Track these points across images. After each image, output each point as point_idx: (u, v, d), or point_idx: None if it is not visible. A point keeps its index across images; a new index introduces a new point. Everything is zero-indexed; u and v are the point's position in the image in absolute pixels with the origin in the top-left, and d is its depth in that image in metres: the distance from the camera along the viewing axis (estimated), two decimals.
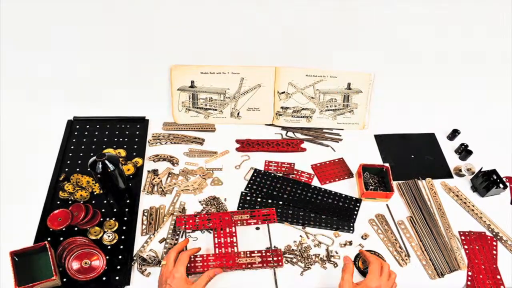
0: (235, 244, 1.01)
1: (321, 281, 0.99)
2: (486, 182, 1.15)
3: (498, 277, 1.01)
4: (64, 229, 1.02)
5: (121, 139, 1.25)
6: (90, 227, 1.03)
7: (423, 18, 1.14)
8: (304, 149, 1.27)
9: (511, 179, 1.21)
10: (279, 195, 1.13)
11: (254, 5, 1.10)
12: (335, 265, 1.01)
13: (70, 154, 1.20)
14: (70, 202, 1.08)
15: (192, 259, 0.98)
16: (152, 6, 1.09)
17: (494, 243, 1.07)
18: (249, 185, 1.15)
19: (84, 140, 1.24)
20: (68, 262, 0.93)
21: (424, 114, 1.35)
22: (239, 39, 1.18)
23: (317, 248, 1.04)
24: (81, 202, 1.08)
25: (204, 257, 0.98)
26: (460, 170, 1.22)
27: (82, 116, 1.30)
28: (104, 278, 0.95)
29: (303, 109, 1.31)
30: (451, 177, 1.23)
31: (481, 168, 1.18)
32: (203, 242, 1.03)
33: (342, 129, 1.33)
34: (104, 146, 1.23)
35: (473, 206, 1.14)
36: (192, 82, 1.26)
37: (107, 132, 1.27)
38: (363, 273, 0.98)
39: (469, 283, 1.00)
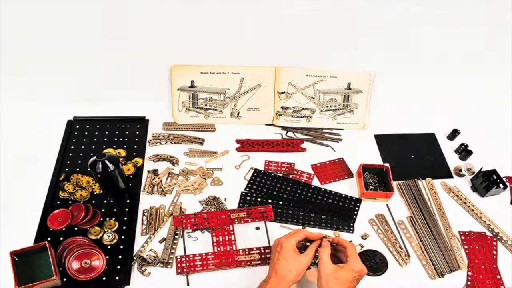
0: (233, 242, 1.02)
1: None
2: (486, 182, 1.15)
3: (498, 277, 1.01)
4: (64, 229, 1.02)
5: (121, 139, 1.25)
6: (90, 227, 1.03)
7: (423, 18, 1.14)
8: (304, 149, 1.27)
9: (511, 179, 1.21)
10: (279, 195, 1.13)
11: (254, 5, 1.10)
12: None
13: (70, 154, 1.20)
14: (70, 202, 1.08)
15: (191, 259, 0.98)
16: (152, 6, 1.09)
17: (494, 243, 1.07)
18: (249, 185, 1.15)
19: (84, 140, 1.24)
20: (68, 262, 0.93)
21: (424, 114, 1.35)
22: (239, 39, 1.18)
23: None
24: (81, 202, 1.08)
25: (203, 256, 0.98)
26: (460, 170, 1.22)
27: (82, 116, 1.30)
28: (104, 278, 0.95)
29: (303, 109, 1.31)
30: (451, 177, 1.23)
31: (481, 168, 1.18)
32: (202, 241, 1.03)
33: (342, 129, 1.33)
34: (104, 146, 1.23)
35: (473, 206, 1.14)
36: (192, 82, 1.26)
37: (107, 132, 1.27)
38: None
39: (469, 283, 1.00)
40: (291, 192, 1.14)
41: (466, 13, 1.13)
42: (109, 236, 1.01)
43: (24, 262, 0.92)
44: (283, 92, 1.29)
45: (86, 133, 1.26)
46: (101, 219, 1.06)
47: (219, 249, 1.00)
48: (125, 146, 1.23)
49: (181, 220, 1.05)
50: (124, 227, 1.05)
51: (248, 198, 1.13)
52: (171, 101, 1.29)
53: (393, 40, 1.20)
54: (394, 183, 1.17)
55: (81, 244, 0.97)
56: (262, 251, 1.00)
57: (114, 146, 1.23)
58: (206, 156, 1.23)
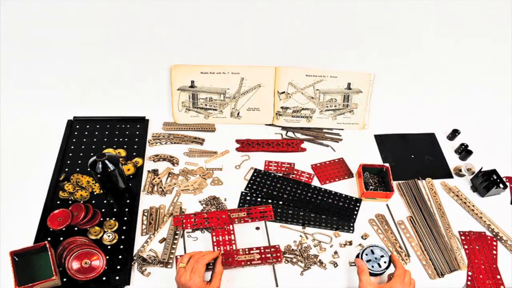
0: (233, 242, 1.02)
1: (321, 281, 0.99)
2: (486, 182, 1.15)
3: (498, 277, 1.01)
4: (64, 229, 1.02)
5: (121, 139, 1.25)
6: (90, 227, 1.03)
7: (423, 18, 1.14)
8: (304, 149, 1.27)
9: (511, 179, 1.21)
10: (279, 195, 1.13)
11: (254, 5, 1.10)
12: (335, 265, 1.01)
13: (70, 154, 1.20)
14: (70, 202, 1.08)
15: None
16: (152, 6, 1.09)
17: (494, 243, 1.07)
18: (249, 185, 1.15)
19: (84, 140, 1.24)
20: (68, 262, 0.93)
21: (424, 114, 1.35)
22: (239, 39, 1.18)
23: (317, 248, 1.03)
24: (81, 202, 1.08)
25: None
26: (460, 170, 1.22)
27: (82, 116, 1.30)
28: (104, 278, 0.95)
29: (303, 109, 1.31)
30: (451, 177, 1.23)
31: (481, 168, 1.18)
32: (202, 241, 1.03)
33: (342, 129, 1.33)
34: (104, 146, 1.23)
35: (473, 206, 1.14)
36: (192, 82, 1.26)
37: (107, 132, 1.27)
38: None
39: (469, 283, 1.00)
40: (291, 192, 1.14)
41: (466, 13, 1.13)
42: (109, 236, 1.01)
43: (24, 262, 0.92)
44: (283, 92, 1.29)
45: (86, 133, 1.26)
46: (101, 219, 1.06)
47: (219, 248, 1.00)
48: (125, 146, 1.23)
49: (181, 220, 1.05)
50: (124, 227, 1.05)
51: (248, 198, 1.13)
52: (171, 101, 1.29)
53: (393, 40, 1.20)
54: (394, 183, 1.17)
55: (81, 244, 0.97)
56: (262, 250, 1.00)
57: (114, 146, 1.23)
58: (206, 156, 1.23)
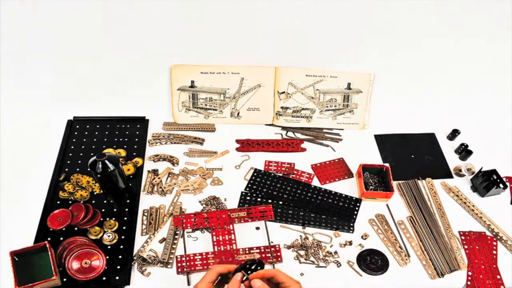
0: (233, 241, 1.02)
1: (321, 281, 0.99)
2: (486, 182, 1.15)
3: (498, 277, 1.01)
4: (64, 229, 1.02)
5: (121, 139, 1.25)
6: (90, 227, 1.03)
7: (423, 18, 1.14)
8: (304, 149, 1.27)
9: (511, 179, 1.21)
10: (279, 195, 1.13)
11: (254, 5, 1.10)
12: (339, 264, 1.01)
13: (70, 154, 1.20)
14: (70, 202, 1.08)
15: (192, 258, 0.98)
16: (152, 6, 1.09)
17: (494, 243, 1.07)
18: (249, 185, 1.15)
19: (84, 140, 1.24)
20: (68, 262, 0.93)
21: (424, 114, 1.35)
22: (239, 39, 1.18)
23: (317, 248, 1.04)
24: (81, 202, 1.08)
25: (203, 255, 0.98)
26: (460, 170, 1.22)
27: (82, 116, 1.30)
28: (104, 278, 0.95)
29: (303, 109, 1.31)
30: (451, 177, 1.23)
31: (481, 168, 1.18)
32: (202, 241, 1.03)
33: (342, 129, 1.33)
34: (104, 146, 1.23)
35: (473, 206, 1.14)
36: (192, 82, 1.26)
37: (107, 132, 1.27)
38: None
39: (469, 283, 1.00)
40: (291, 192, 1.14)
41: (466, 13, 1.13)
42: (109, 236, 1.01)
43: (24, 262, 0.92)
44: (283, 92, 1.29)
45: (86, 133, 1.26)
46: (101, 219, 1.06)
47: (219, 248, 1.00)
48: (125, 146, 1.23)
49: (181, 219, 1.05)
50: (124, 227, 1.05)
51: (248, 198, 1.13)
52: (171, 101, 1.29)
53: (393, 40, 1.20)
54: (394, 183, 1.17)
55: (81, 244, 0.97)
56: (262, 250, 1.00)
57: (114, 146, 1.23)
58: (206, 156, 1.23)
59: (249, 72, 1.25)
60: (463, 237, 1.08)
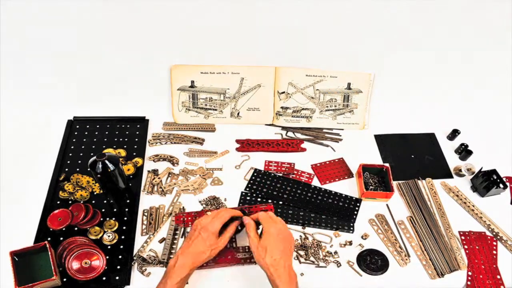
0: (233, 239, 1.02)
1: (321, 281, 0.99)
2: (486, 182, 1.15)
3: (498, 277, 1.01)
4: (64, 229, 1.02)
5: (121, 139, 1.25)
6: (90, 227, 1.03)
7: (423, 18, 1.14)
8: (304, 149, 1.27)
9: (511, 179, 1.21)
10: (279, 195, 1.13)
11: (254, 5, 1.10)
12: (339, 264, 1.01)
13: (70, 154, 1.20)
14: (70, 202, 1.08)
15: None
16: (152, 6, 1.09)
17: (494, 243, 1.07)
18: (249, 185, 1.15)
19: (84, 140, 1.24)
20: (68, 262, 0.93)
21: (424, 114, 1.35)
22: (239, 39, 1.18)
23: (317, 248, 1.04)
24: (81, 202, 1.08)
25: None
26: (460, 170, 1.22)
27: (82, 116, 1.30)
28: (104, 278, 0.95)
29: (303, 109, 1.31)
30: (451, 177, 1.23)
31: (481, 168, 1.18)
32: None
33: (342, 129, 1.33)
34: (104, 146, 1.23)
35: (473, 206, 1.14)
36: (192, 82, 1.26)
37: (107, 132, 1.27)
38: None
39: (469, 283, 1.00)
40: (291, 192, 1.14)
41: (466, 13, 1.13)
42: (109, 236, 1.01)
43: (24, 262, 0.92)
44: (283, 92, 1.29)
45: (86, 133, 1.26)
46: (101, 219, 1.06)
47: None
48: (125, 146, 1.23)
49: (182, 218, 1.05)
50: (124, 227, 1.05)
51: (248, 198, 1.13)
52: (171, 101, 1.29)
53: (393, 40, 1.20)
54: (394, 183, 1.17)
55: (81, 244, 0.97)
56: None
57: (114, 146, 1.23)
58: (206, 156, 1.23)
59: (249, 72, 1.25)
60: (463, 237, 1.08)
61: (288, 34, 1.17)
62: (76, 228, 1.03)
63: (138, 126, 1.29)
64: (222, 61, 1.23)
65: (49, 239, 1.01)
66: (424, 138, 1.33)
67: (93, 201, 1.09)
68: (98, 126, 1.28)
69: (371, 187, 1.16)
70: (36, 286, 0.88)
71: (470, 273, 1.01)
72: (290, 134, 1.32)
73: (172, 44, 1.18)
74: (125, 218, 1.07)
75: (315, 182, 1.19)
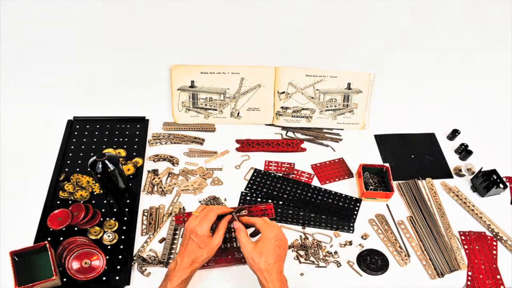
0: (233, 239, 1.01)
1: (321, 281, 0.99)
2: (486, 182, 1.15)
3: (498, 277, 1.01)
4: (64, 229, 1.02)
5: (121, 139, 1.25)
6: (90, 227, 1.03)
7: (423, 18, 1.14)
8: (304, 149, 1.27)
9: (511, 179, 1.21)
10: (279, 195, 1.13)
11: (254, 5, 1.10)
12: (339, 264, 1.01)
13: (70, 154, 1.20)
14: (70, 202, 1.08)
15: None
16: (152, 6, 1.09)
17: (494, 243, 1.07)
18: (249, 185, 1.15)
19: (84, 140, 1.24)
20: (68, 262, 0.93)
21: (424, 114, 1.35)
22: (239, 39, 1.18)
23: (317, 248, 1.04)
24: (81, 202, 1.08)
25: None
26: (460, 170, 1.22)
27: (82, 116, 1.30)
28: (104, 278, 0.95)
29: (303, 109, 1.31)
30: (451, 177, 1.23)
31: (481, 168, 1.18)
32: None
33: (342, 129, 1.33)
34: (104, 146, 1.23)
35: (473, 206, 1.14)
36: (192, 82, 1.26)
37: (107, 132, 1.27)
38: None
39: (469, 283, 1.00)
40: (291, 192, 1.14)
41: (466, 13, 1.13)
42: (109, 236, 1.01)
43: (24, 262, 0.92)
44: (283, 92, 1.29)
45: (86, 133, 1.26)
46: (101, 219, 1.06)
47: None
48: (125, 146, 1.23)
49: (183, 218, 1.04)
50: (124, 227, 1.05)
51: (248, 198, 1.13)
52: (171, 101, 1.29)
53: (393, 40, 1.20)
54: (394, 183, 1.17)
55: (81, 244, 0.97)
56: None
57: (114, 146, 1.23)
58: (206, 156, 1.23)
59: (249, 72, 1.25)
60: (463, 237, 1.08)
61: (288, 34, 1.17)
62: (76, 228, 1.03)
63: (138, 126, 1.29)
64: (222, 61, 1.23)
65: (49, 239, 1.01)
66: (424, 138, 1.33)
67: (93, 201, 1.09)
68: (98, 126, 1.28)
69: (371, 187, 1.16)
70: (36, 286, 0.88)
71: (470, 273, 1.01)
72: (290, 134, 1.32)
73: (172, 44, 1.18)
74: (125, 218, 1.07)
75: (315, 182, 1.19)
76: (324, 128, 1.34)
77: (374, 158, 1.26)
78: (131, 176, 1.16)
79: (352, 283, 0.99)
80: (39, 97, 1.27)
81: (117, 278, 0.96)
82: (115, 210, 1.09)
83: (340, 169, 1.22)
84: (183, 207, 1.10)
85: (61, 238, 1.01)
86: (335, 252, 1.03)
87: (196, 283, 0.96)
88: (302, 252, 1.02)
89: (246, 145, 1.26)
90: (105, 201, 1.10)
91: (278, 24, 1.15)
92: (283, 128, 1.33)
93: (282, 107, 1.31)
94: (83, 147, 1.22)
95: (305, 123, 1.33)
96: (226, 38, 1.18)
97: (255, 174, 1.18)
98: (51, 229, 1.01)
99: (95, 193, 1.11)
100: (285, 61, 1.24)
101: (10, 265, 0.89)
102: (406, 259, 1.03)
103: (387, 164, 1.17)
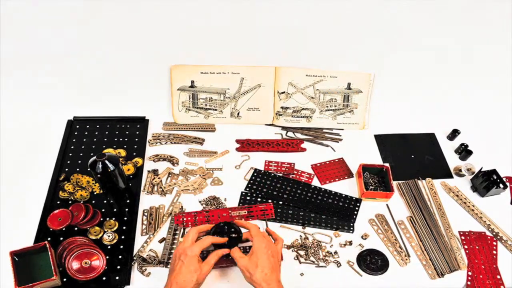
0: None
1: (321, 281, 0.99)
2: (486, 182, 1.15)
3: (498, 277, 1.01)
4: (64, 229, 1.02)
5: (121, 139, 1.25)
6: (90, 227, 1.03)
7: (423, 18, 1.14)
8: (304, 149, 1.27)
9: (511, 179, 1.21)
10: (279, 195, 1.13)
11: (254, 5, 1.10)
12: (339, 264, 1.01)
13: (70, 154, 1.20)
14: (70, 202, 1.08)
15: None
16: (152, 6, 1.09)
17: (494, 243, 1.07)
18: (249, 185, 1.15)
19: (84, 140, 1.24)
20: (68, 262, 0.93)
21: (424, 114, 1.35)
22: (239, 39, 1.18)
23: (317, 248, 1.04)
24: (81, 202, 1.08)
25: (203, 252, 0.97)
26: (460, 170, 1.22)
27: (82, 116, 1.30)
28: (104, 278, 0.95)
29: (303, 109, 1.31)
30: (451, 177, 1.23)
31: (481, 168, 1.18)
32: None
33: (342, 129, 1.33)
34: (104, 146, 1.23)
35: (473, 206, 1.14)
36: (192, 82, 1.26)
37: (107, 132, 1.27)
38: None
39: (469, 283, 1.00)
40: (291, 192, 1.14)
41: (466, 13, 1.13)
42: (109, 236, 1.01)
43: (24, 262, 0.92)
44: (283, 92, 1.29)
45: (86, 133, 1.26)
46: (101, 219, 1.06)
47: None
48: (125, 146, 1.23)
49: (182, 218, 1.05)
50: (124, 227, 1.05)
51: (248, 198, 1.13)
52: (171, 101, 1.29)
53: (393, 40, 1.20)
54: (394, 183, 1.17)
55: (81, 244, 0.97)
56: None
57: (114, 146, 1.23)
58: (206, 156, 1.23)
59: (249, 72, 1.25)
60: (463, 237, 1.08)
61: (288, 34, 1.17)
62: (76, 228, 1.03)
63: (138, 126, 1.29)
64: (222, 61, 1.23)
65: (49, 239, 1.01)
66: (424, 138, 1.33)
67: (93, 201, 1.09)
68: (98, 126, 1.28)
69: (371, 187, 1.16)
70: (36, 286, 0.88)
71: (470, 273, 1.01)
72: (290, 134, 1.32)
73: (172, 44, 1.18)
74: (125, 218, 1.07)
75: (315, 182, 1.19)
76: (324, 128, 1.34)
77: (374, 158, 1.26)
78: (131, 176, 1.16)
79: (352, 283, 0.99)
80: (39, 97, 1.27)
81: (117, 278, 0.96)
82: (115, 210, 1.09)
83: (340, 169, 1.22)
84: (183, 207, 1.10)
85: (61, 238, 1.01)
86: (335, 252, 1.03)
87: None
88: (302, 252, 1.02)
89: (246, 145, 1.26)
90: (105, 201, 1.10)
91: (278, 24, 1.15)
92: (283, 128, 1.33)
93: (282, 107, 1.31)
94: (83, 147, 1.22)
95: (305, 123, 1.33)
96: (226, 38, 1.18)
97: (255, 174, 1.18)
98: (51, 229, 1.01)
99: (95, 193, 1.11)
100: (285, 61, 1.24)
101: (10, 265, 0.89)
102: (406, 259, 1.03)
103: (387, 164, 1.17)
